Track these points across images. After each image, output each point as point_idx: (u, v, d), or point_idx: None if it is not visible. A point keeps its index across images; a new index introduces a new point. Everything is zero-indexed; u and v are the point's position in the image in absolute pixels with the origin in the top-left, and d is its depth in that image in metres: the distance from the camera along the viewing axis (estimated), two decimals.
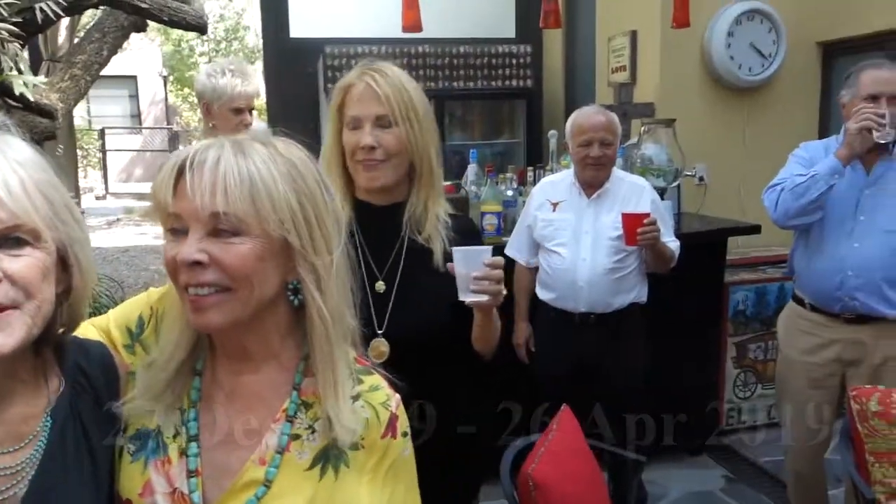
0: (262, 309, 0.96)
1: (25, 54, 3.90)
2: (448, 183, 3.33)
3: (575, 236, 2.80)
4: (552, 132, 3.64)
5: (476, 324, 1.56)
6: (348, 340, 1.02)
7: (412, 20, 3.44)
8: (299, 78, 5.50)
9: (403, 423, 1.06)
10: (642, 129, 3.61)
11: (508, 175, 3.51)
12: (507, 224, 3.31)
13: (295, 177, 0.95)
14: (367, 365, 1.07)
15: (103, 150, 16.34)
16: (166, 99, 20.24)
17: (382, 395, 1.04)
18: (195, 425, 0.98)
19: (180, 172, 0.91)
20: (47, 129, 4.15)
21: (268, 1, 5.60)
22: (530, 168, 3.62)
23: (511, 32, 5.91)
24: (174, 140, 17.24)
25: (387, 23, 4.24)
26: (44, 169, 0.87)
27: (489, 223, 3.24)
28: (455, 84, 5.33)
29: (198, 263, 0.90)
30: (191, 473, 0.96)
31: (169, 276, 0.94)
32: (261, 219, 0.91)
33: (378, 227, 1.62)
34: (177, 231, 0.93)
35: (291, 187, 0.94)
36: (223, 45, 20.49)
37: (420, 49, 5.21)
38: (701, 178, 4.22)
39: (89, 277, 0.93)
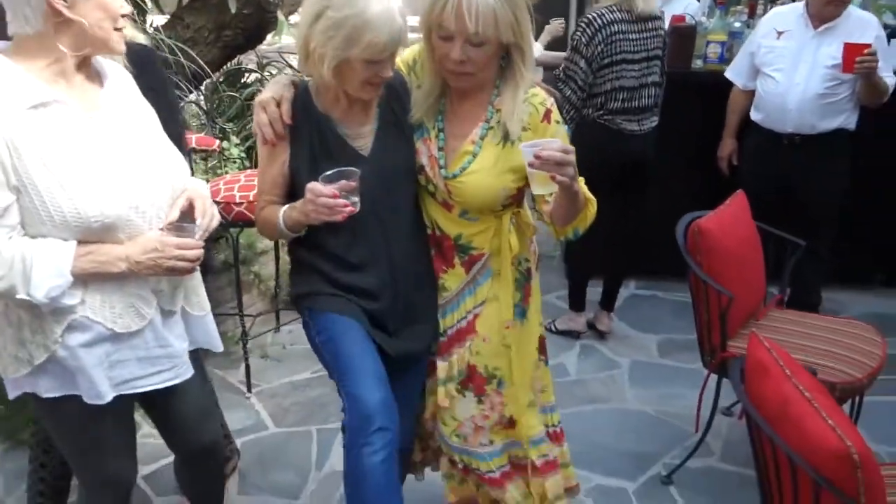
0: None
1: None
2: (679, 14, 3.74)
3: (793, 63, 3.04)
4: None
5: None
6: (532, 84, 1.74)
7: None
8: None
9: (556, 115, 1.76)
10: None
11: (739, 7, 3.79)
12: (730, 54, 3.66)
13: None
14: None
15: None
16: None
17: (540, 97, 1.75)
18: (442, 123, 1.76)
19: (457, 3, 1.55)
20: None
21: None
22: (760, 2, 3.85)
23: None
24: None
25: None
26: None
27: (712, 52, 3.63)
28: None
29: (462, 60, 1.62)
30: (440, 147, 1.76)
31: (439, 60, 1.65)
32: (497, 34, 1.61)
33: None
34: (445, 38, 1.60)
35: (508, 4, 1.59)
36: None
37: None
38: None
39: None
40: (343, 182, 1.56)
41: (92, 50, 1.47)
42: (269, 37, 5.10)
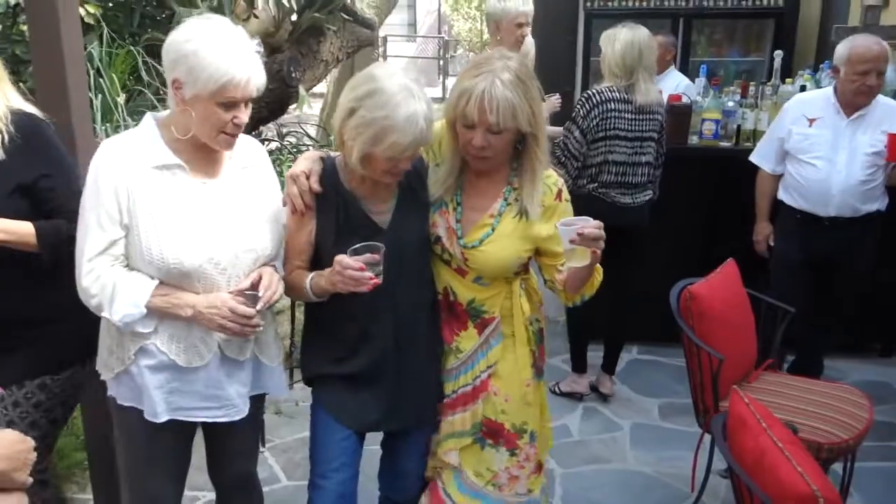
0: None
1: None
2: (675, 93, 3.99)
3: (832, 150, 3.09)
4: (778, 52, 4.06)
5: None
6: (548, 167, 1.94)
7: None
8: None
9: (565, 195, 1.96)
10: None
11: (732, 88, 4.04)
12: (725, 131, 3.89)
13: (528, 88, 1.79)
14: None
15: (385, 57, 18.35)
16: (440, 9, 21.76)
17: (553, 178, 1.94)
18: (461, 198, 1.94)
19: (480, 99, 1.75)
20: (368, 38, 5.40)
21: None
22: (752, 83, 4.09)
23: None
24: (445, 48, 18.69)
25: None
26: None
27: (707, 129, 3.85)
28: (706, 2, 5.71)
29: (483, 146, 1.82)
30: (458, 219, 1.92)
31: (462, 146, 1.85)
32: (516, 124, 1.80)
33: None
34: (468, 126, 1.79)
35: (526, 98, 1.79)
36: None
37: None
38: None
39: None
40: (368, 255, 1.70)
41: (200, 138, 1.72)
42: (290, 108, 5.37)
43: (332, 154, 1.93)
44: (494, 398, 1.97)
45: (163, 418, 1.79)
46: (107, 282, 1.70)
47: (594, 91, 3.29)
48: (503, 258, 1.90)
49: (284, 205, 1.84)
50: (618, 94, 3.25)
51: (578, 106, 3.30)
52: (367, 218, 1.86)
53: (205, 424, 1.89)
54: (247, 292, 1.75)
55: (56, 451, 2.86)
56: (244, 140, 1.88)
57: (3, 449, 1.35)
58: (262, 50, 1.83)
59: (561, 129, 3.42)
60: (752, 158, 3.40)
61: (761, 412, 1.63)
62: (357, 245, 1.72)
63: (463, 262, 1.92)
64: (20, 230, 1.87)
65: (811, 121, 3.14)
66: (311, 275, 1.84)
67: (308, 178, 1.82)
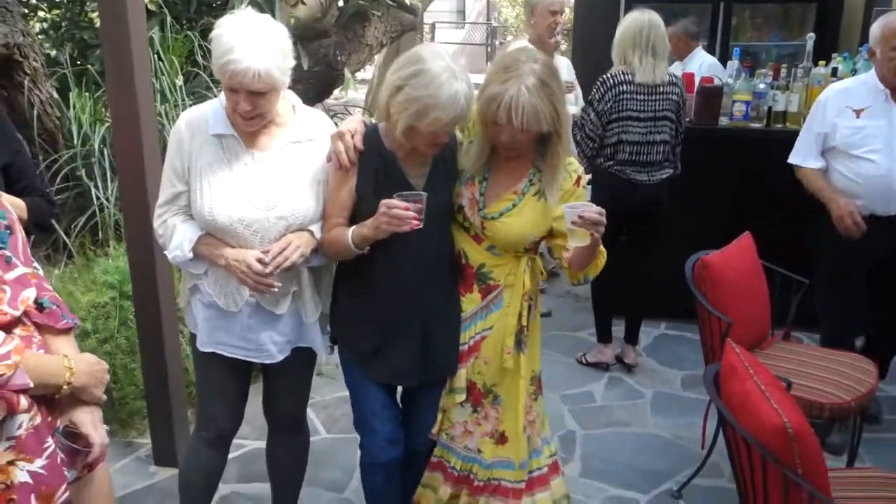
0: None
1: None
2: (708, 75, 4.08)
3: (888, 142, 2.86)
4: (810, 35, 4.11)
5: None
6: (570, 155, 2.10)
7: None
8: None
9: (583, 181, 2.12)
10: None
11: (764, 70, 4.10)
12: (757, 112, 3.97)
13: (551, 90, 1.93)
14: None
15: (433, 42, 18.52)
16: None
17: (574, 166, 2.11)
18: (487, 173, 2.11)
19: (508, 106, 1.91)
20: (411, 23, 5.60)
21: None
22: (784, 66, 4.14)
23: None
24: (493, 35, 18.76)
25: None
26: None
27: (738, 110, 3.95)
28: None
29: (511, 141, 1.99)
30: (482, 192, 2.09)
31: (491, 136, 2.01)
32: (540, 127, 1.96)
33: None
34: (498, 125, 1.95)
35: (549, 101, 1.94)
36: None
37: None
38: None
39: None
40: (414, 203, 1.87)
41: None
42: (336, 91, 5.61)
43: (373, 121, 2.11)
44: (475, 360, 2.15)
45: (206, 349, 2.07)
46: (169, 226, 2.02)
47: (608, 75, 3.44)
48: (519, 232, 2.07)
49: (329, 161, 2.03)
50: (629, 77, 3.39)
51: (594, 90, 3.47)
52: (404, 178, 2.04)
53: (262, 366, 2.14)
54: (266, 255, 1.95)
55: (117, 400, 3.17)
56: (308, 115, 2.09)
57: (85, 366, 1.60)
58: (296, 54, 2.01)
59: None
60: (793, 160, 3.13)
61: (749, 360, 1.78)
62: (403, 192, 1.89)
63: (481, 230, 2.09)
64: (17, 203, 2.07)
65: (858, 112, 2.90)
66: (353, 227, 2.01)
67: (353, 136, 2.00)
